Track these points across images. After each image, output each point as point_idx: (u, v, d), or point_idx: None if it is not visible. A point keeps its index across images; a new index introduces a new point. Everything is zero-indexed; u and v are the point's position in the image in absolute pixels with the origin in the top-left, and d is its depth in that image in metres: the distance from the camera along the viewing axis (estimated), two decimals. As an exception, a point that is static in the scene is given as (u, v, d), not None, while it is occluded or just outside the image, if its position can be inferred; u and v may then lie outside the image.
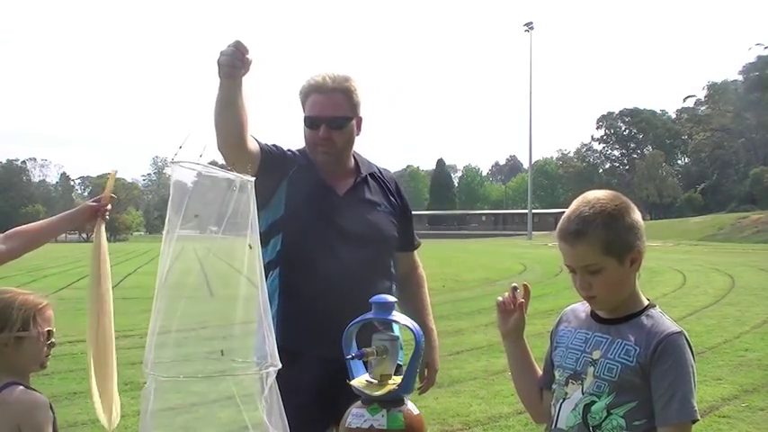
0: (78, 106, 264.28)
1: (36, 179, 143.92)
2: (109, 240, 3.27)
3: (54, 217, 3.54)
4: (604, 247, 2.41)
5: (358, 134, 3.52)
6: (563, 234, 2.48)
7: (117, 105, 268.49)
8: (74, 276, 26.11)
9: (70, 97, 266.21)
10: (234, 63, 2.98)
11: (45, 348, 2.87)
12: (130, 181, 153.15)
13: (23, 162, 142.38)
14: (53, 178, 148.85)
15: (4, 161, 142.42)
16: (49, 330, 2.88)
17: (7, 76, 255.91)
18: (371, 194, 3.54)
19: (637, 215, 2.49)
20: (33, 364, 2.88)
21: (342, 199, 3.45)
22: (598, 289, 2.45)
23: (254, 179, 2.53)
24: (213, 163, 3.08)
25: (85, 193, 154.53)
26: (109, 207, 3.35)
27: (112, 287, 3.32)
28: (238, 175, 2.49)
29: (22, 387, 2.76)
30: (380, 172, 3.68)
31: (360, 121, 3.51)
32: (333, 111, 3.39)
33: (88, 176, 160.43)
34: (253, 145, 3.26)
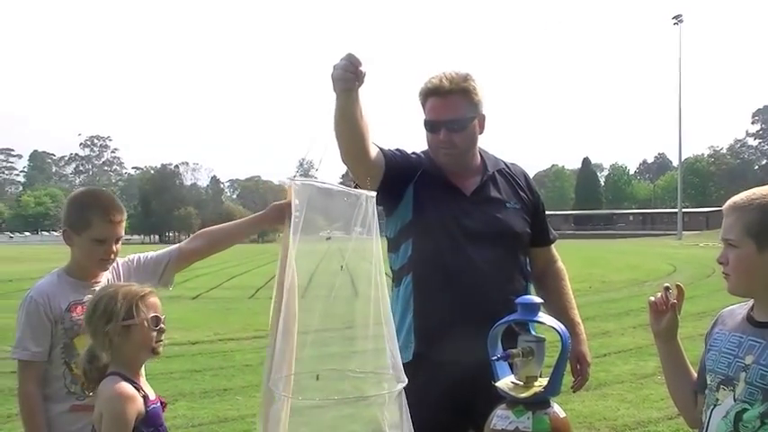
0: (228, 112, 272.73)
1: (188, 182, 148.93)
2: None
3: (243, 219, 3.68)
4: (747, 227, 2.36)
5: (481, 132, 3.46)
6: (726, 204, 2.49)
7: (263, 110, 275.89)
8: (224, 277, 26.93)
9: (220, 103, 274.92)
10: (347, 77, 2.90)
11: (154, 334, 2.91)
12: (277, 183, 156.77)
13: (176, 166, 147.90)
14: (204, 181, 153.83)
15: (158, 165, 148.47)
16: (155, 316, 2.91)
17: (161, 85, 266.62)
18: (499, 192, 3.47)
19: None
20: (144, 351, 2.92)
21: (469, 199, 3.40)
22: (731, 267, 2.42)
23: (375, 194, 2.56)
24: (345, 176, 3.12)
25: (234, 196, 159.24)
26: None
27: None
28: (360, 191, 2.53)
29: (118, 377, 2.82)
30: (508, 167, 3.60)
31: (483, 119, 3.45)
32: (452, 113, 3.33)
33: (237, 179, 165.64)
34: (376, 154, 3.25)
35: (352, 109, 3.00)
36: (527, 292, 3.28)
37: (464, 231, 3.31)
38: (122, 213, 3.33)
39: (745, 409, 2.31)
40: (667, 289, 2.64)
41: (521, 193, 3.53)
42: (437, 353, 3.14)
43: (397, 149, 3.45)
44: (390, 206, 3.38)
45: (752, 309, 2.48)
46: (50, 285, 3.28)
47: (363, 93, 3.02)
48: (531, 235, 3.50)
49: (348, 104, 2.98)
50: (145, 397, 2.85)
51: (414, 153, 3.50)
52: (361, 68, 2.92)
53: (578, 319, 3.59)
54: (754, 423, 2.29)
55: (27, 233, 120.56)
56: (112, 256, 3.32)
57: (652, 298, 2.67)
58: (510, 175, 3.56)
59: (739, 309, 2.55)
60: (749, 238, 2.36)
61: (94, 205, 3.28)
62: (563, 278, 3.69)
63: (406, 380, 2.51)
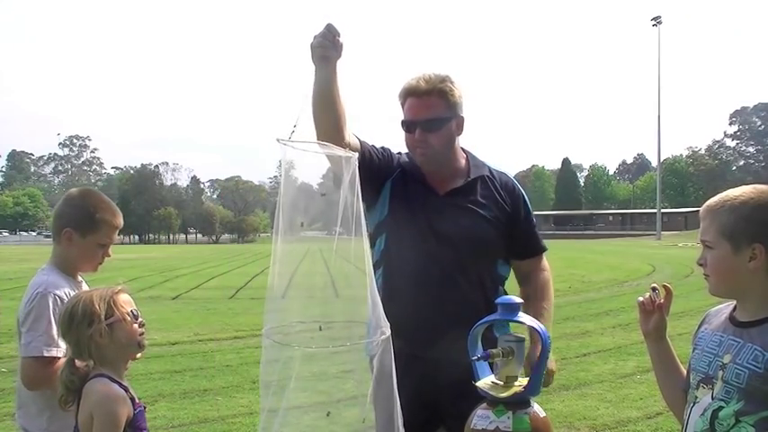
0: (207, 111, 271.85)
1: (168, 182, 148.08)
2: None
3: None
4: (721, 229, 2.39)
5: (459, 134, 3.46)
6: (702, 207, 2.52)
7: (242, 110, 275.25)
8: (204, 277, 26.85)
9: (200, 103, 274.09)
10: (325, 44, 2.98)
11: (136, 327, 2.92)
12: (257, 183, 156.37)
13: (156, 166, 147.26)
14: (184, 181, 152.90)
15: (138, 165, 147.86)
16: (132, 311, 2.93)
17: (141, 86, 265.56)
18: (477, 198, 3.44)
19: None
20: (131, 347, 2.92)
21: (441, 199, 3.41)
22: (710, 268, 2.44)
23: (356, 155, 2.61)
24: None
25: (214, 196, 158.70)
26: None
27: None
28: (343, 151, 2.55)
29: (104, 379, 2.81)
30: (493, 175, 3.55)
31: (461, 120, 3.44)
32: (427, 113, 3.34)
33: (217, 179, 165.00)
34: (353, 141, 3.25)
35: (330, 82, 3.06)
36: (496, 297, 3.28)
37: (434, 232, 3.32)
38: (122, 219, 3.46)
39: (721, 407, 2.33)
40: (654, 289, 2.66)
41: (500, 202, 3.48)
42: (401, 345, 3.15)
43: (382, 147, 3.48)
44: (369, 201, 3.37)
45: (734, 308, 2.49)
46: (60, 281, 3.28)
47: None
48: (506, 244, 3.46)
49: (326, 76, 3.04)
50: (132, 399, 2.84)
51: (399, 153, 3.53)
52: (338, 38, 3.00)
53: (546, 316, 3.43)
54: (728, 421, 2.30)
55: (5, 233, 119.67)
56: (107, 258, 3.43)
57: (640, 298, 2.69)
58: (492, 183, 3.52)
59: (725, 308, 2.56)
60: (724, 239, 2.38)
61: (104, 210, 3.37)
62: (544, 283, 3.60)
63: (388, 331, 2.56)
